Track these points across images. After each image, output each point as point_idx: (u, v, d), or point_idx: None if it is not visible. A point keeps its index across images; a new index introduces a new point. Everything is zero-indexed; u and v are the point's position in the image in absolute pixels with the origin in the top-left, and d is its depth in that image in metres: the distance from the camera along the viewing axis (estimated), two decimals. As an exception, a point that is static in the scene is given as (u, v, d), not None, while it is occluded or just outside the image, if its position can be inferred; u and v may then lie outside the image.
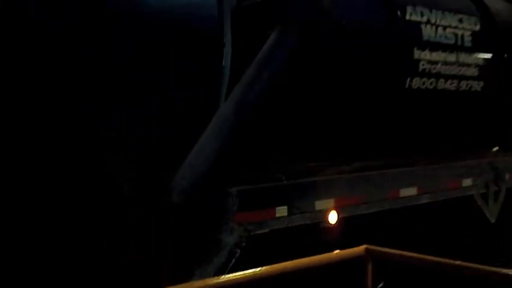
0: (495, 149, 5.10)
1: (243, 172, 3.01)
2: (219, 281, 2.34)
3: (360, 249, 2.88)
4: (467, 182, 4.20)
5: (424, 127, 4.59)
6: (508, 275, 2.60)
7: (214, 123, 2.98)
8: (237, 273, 2.35)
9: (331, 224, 3.27)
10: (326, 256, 2.84)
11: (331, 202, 3.27)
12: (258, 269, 2.37)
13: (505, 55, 5.08)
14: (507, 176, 4.55)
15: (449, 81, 4.57)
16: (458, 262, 2.77)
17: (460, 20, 4.73)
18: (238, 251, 2.81)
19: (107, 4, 2.76)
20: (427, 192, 3.90)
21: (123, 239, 2.90)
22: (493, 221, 4.38)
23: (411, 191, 3.77)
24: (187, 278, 2.79)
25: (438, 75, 4.46)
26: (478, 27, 4.85)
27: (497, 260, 4.49)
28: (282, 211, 3.03)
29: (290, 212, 3.07)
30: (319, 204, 3.20)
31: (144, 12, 2.92)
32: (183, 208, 2.74)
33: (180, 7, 3.05)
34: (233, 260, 2.78)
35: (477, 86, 4.84)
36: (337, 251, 2.90)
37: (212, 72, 3.15)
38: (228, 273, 2.73)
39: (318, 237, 3.20)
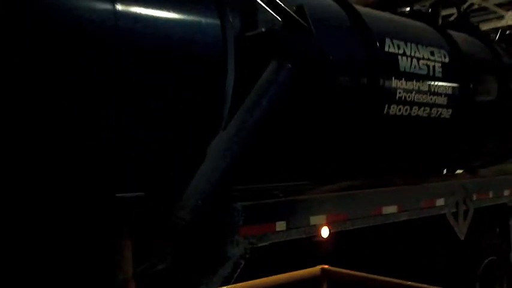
0: (460, 171, 5.53)
1: (245, 189, 3.27)
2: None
3: (316, 269, 3.01)
4: (440, 201, 4.56)
5: (400, 150, 4.97)
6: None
7: (218, 145, 3.23)
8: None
9: (323, 238, 3.55)
10: (284, 276, 2.92)
11: (323, 218, 3.56)
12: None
13: (471, 85, 5.54)
14: (475, 197, 4.94)
15: (422, 109, 4.97)
16: (409, 283, 2.91)
17: (432, 53, 5.17)
18: (243, 262, 3.04)
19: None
20: (406, 210, 4.23)
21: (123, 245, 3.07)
22: (462, 238, 4.75)
23: (392, 209, 4.09)
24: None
25: (412, 103, 4.85)
26: (447, 59, 5.31)
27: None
28: (281, 225, 3.30)
29: (288, 227, 3.34)
30: (313, 220, 3.48)
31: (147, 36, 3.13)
32: (192, 223, 2.97)
33: (184, 33, 3.30)
34: (238, 271, 3.01)
35: (446, 113, 5.26)
36: (293, 272, 2.96)
37: (214, 97, 3.41)
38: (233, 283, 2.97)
39: (312, 250, 3.48)
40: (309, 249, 3.59)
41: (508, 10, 13.42)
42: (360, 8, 4.72)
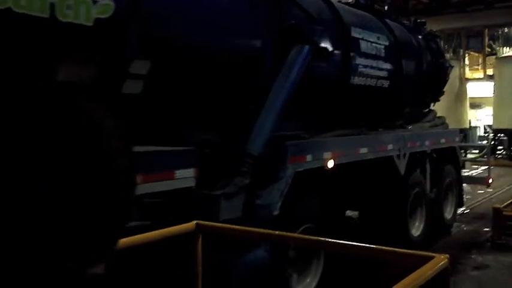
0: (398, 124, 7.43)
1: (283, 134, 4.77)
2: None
3: (191, 224, 3.12)
4: (390, 146, 6.37)
5: (360, 109, 6.69)
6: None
7: (267, 104, 4.66)
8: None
9: (328, 168, 5.16)
10: (159, 232, 3.09)
11: (330, 154, 5.16)
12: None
13: (402, 61, 7.39)
14: (409, 145, 6.82)
15: (373, 80, 6.71)
16: (278, 232, 3.27)
17: (378, 38, 6.91)
18: (290, 181, 4.55)
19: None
20: (372, 151, 5.98)
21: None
22: (402, 173, 6.61)
23: (364, 150, 5.81)
24: (255, 199, 4.44)
25: (367, 75, 6.56)
26: (387, 43, 7.07)
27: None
28: (309, 157, 4.85)
29: (313, 158, 4.90)
30: (325, 155, 5.08)
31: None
32: (258, 157, 4.39)
33: (228, 29, 4.62)
34: (287, 187, 4.51)
35: (386, 83, 7.06)
36: (168, 228, 3.10)
37: (259, 71, 4.80)
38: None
39: (323, 175, 5.09)
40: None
41: None
42: (336, 4, 6.32)
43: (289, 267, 4.72)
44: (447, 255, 2.57)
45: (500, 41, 24.44)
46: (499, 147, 21.27)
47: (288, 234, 3.49)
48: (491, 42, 26.19)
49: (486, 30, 21.87)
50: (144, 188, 3.38)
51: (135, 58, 3.64)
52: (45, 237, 1.59)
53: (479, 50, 27.38)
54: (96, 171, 1.65)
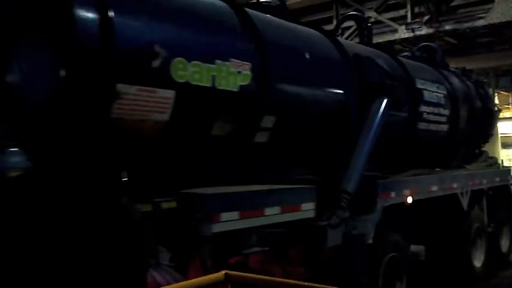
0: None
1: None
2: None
3: (220, 274, 3.06)
4: (455, 185, 7.14)
5: (423, 151, 7.49)
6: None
7: (357, 149, 5.51)
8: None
9: (408, 203, 5.95)
10: (191, 282, 3.10)
11: (408, 191, 5.96)
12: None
13: (458, 107, 8.19)
14: (470, 183, 7.58)
15: (434, 125, 7.52)
16: (306, 284, 3.30)
17: (438, 87, 7.76)
18: (380, 214, 5.35)
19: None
20: (441, 188, 6.75)
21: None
22: (465, 208, 7.34)
23: (435, 188, 6.60)
24: (351, 230, 5.24)
25: (430, 121, 7.38)
26: (445, 91, 7.91)
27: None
28: (393, 194, 5.66)
29: (396, 195, 5.71)
30: (405, 192, 5.88)
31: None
32: (353, 193, 5.22)
33: (328, 88, 5.53)
34: (378, 220, 5.31)
35: (445, 127, 7.86)
36: (198, 278, 3.13)
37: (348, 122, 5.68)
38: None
39: (403, 209, 5.88)
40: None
41: (401, 24, 14.94)
42: (404, 60, 7.23)
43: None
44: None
45: (528, 79, 24.82)
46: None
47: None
48: (520, 81, 26.39)
49: (515, 70, 22.14)
50: (280, 217, 4.25)
51: (265, 114, 4.57)
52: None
53: (508, 89, 27.70)
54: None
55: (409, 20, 14.75)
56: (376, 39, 12.67)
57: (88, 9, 3.33)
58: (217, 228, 3.62)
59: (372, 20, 14.98)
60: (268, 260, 4.82)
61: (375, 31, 14.30)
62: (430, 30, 14.19)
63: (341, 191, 5.21)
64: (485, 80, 10.48)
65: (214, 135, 4.32)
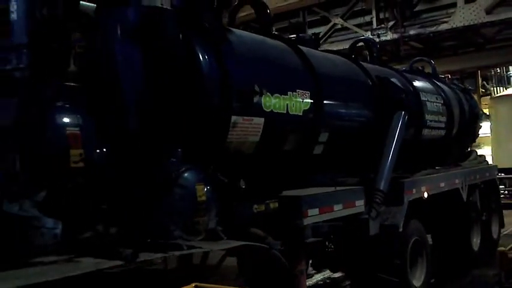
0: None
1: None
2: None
3: (190, 287, 3.14)
4: (457, 180, 8.44)
5: (426, 153, 8.77)
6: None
7: (384, 156, 6.71)
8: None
9: (424, 198, 7.20)
10: None
11: (425, 188, 7.22)
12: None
13: (452, 114, 9.50)
14: (468, 179, 8.89)
15: (435, 130, 8.81)
16: None
17: (436, 98, 9.05)
18: (406, 207, 6.57)
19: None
20: (447, 185, 8.03)
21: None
22: (464, 200, 8.65)
23: (443, 184, 7.88)
24: (384, 221, 6.44)
25: (432, 128, 8.66)
26: (442, 101, 9.21)
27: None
28: (414, 191, 6.90)
29: (416, 192, 6.95)
30: (423, 188, 7.13)
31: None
32: (384, 190, 6.41)
33: (361, 106, 6.77)
34: (405, 212, 6.52)
35: (443, 132, 9.15)
36: None
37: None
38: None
39: (421, 203, 7.12)
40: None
41: (367, 30, 14.95)
42: (410, 76, 8.49)
43: None
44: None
45: (493, 81, 25.45)
46: (500, 186, 18.77)
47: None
48: (484, 82, 26.38)
49: (479, 72, 22.74)
50: (341, 212, 5.42)
51: (321, 131, 5.73)
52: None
53: (474, 91, 28.95)
54: None
55: (374, 25, 14.83)
56: (343, 45, 13.20)
57: (210, 61, 4.46)
58: (307, 221, 4.78)
59: (338, 26, 15.51)
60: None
61: (341, 37, 15.42)
62: (395, 36, 14.42)
63: (376, 190, 6.41)
64: (470, 88, 11.78)
65: (286, 150, 5.46)
